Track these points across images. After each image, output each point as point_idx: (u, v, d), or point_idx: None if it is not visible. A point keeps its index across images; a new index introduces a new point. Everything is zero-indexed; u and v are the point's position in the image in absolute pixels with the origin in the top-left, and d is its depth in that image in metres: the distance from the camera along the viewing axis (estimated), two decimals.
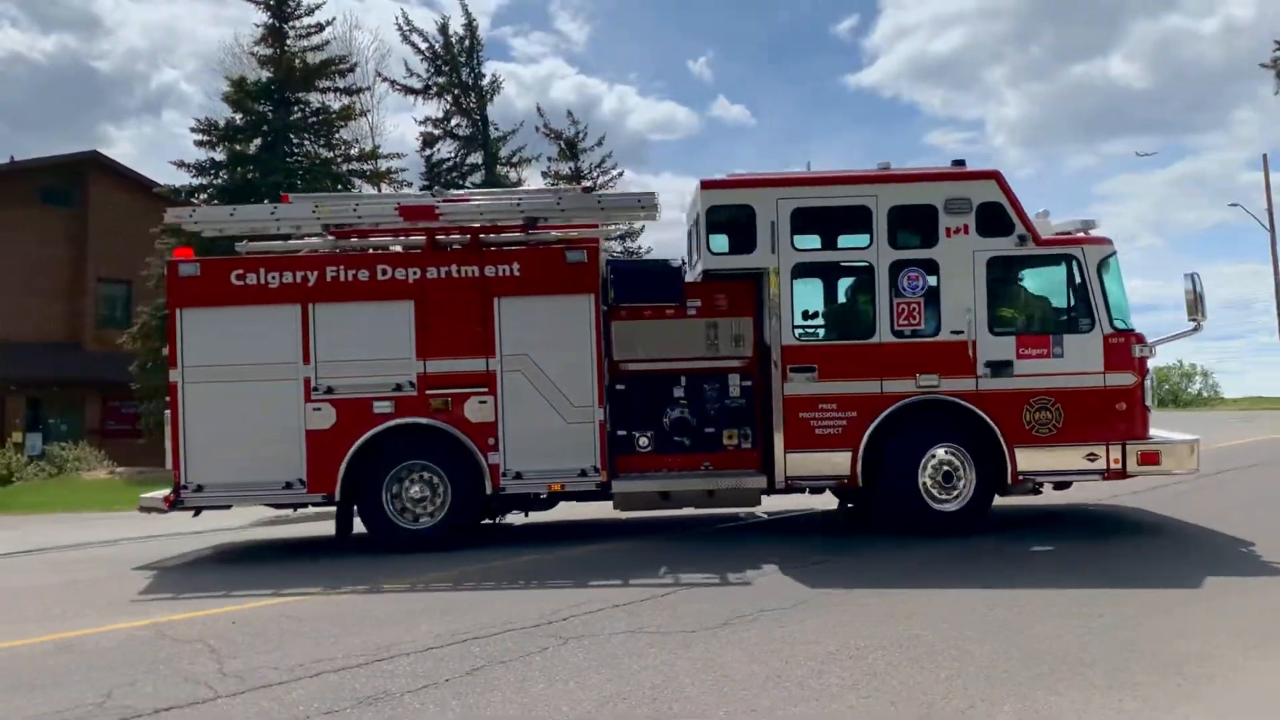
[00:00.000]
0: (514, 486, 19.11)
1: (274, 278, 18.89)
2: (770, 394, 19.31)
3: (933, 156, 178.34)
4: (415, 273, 18.98)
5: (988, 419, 19.34)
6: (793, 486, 19.25)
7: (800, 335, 19.42)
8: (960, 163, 20.07)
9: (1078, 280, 19.51)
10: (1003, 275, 19.66)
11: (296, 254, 19.48)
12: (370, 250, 20.11)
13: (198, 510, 19.18)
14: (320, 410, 18.85)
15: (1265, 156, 37.00)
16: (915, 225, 19.40)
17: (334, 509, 19.37)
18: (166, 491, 19.00)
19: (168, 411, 18.89)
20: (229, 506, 19.38)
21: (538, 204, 19.54)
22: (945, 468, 19.47)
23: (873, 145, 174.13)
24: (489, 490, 18.99)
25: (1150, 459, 19.53)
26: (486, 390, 19.03)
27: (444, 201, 19.57)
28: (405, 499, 19.08)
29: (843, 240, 19.74)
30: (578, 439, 19.09)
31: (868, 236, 19.43)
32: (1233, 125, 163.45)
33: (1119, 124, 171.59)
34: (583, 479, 19.11)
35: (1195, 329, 19.68)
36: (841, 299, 20.08)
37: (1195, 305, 19.42)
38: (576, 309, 19.18)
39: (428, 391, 18.93)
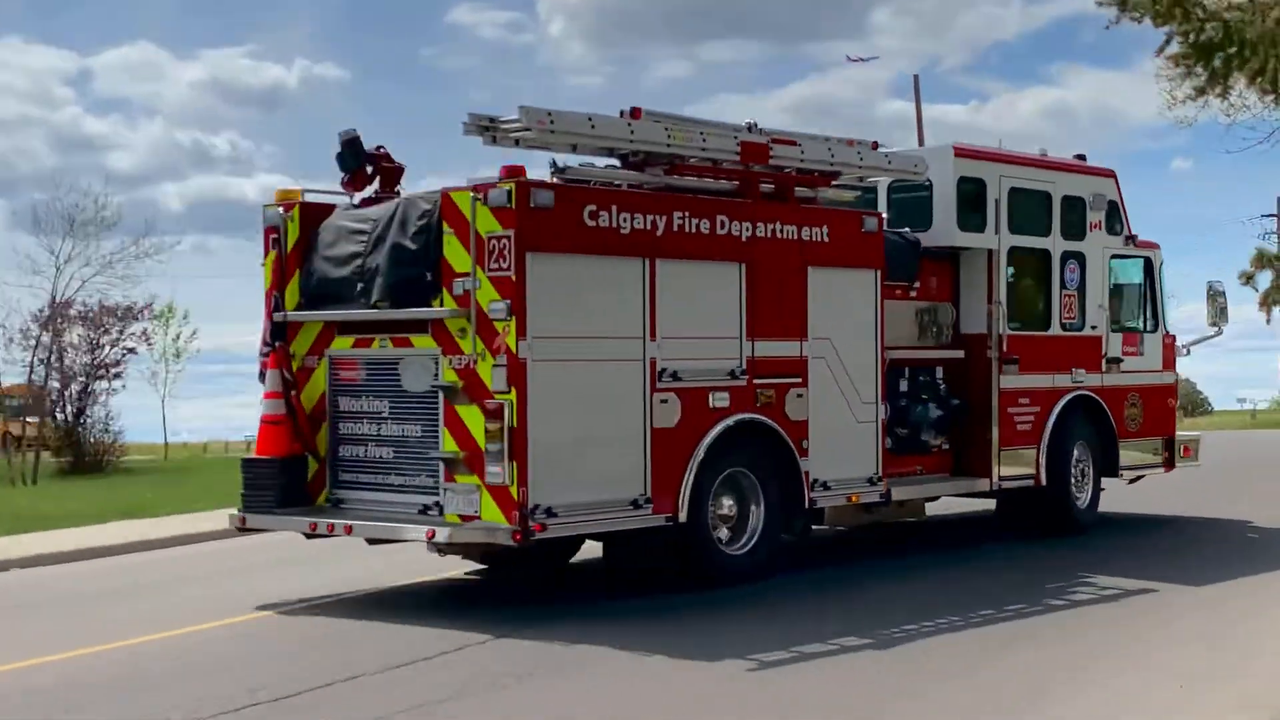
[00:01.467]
0: (822, 499, 16.36)
1: (625, 220, 14.61)
2: (981, 387, 18.62)
3: (465, 40, 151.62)
4: (747, 229, 15.58)
5: (1109, 414, 20.23)
6: (999, 490, 18.82)
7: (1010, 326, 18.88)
8: (1081, 157, 20.51)
9: (1150, 281, 21.21)
10: (1114, 273, 20.66)
11: (641, 189, 15.19)
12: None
13: (535, 542, 13.91)
14: (666, 403, 14.85)
15: (916, 79, 33.63)
16: (1073, 217, 19.81)
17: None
18: (492, 523, 13.75)
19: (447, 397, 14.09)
20: (580, 539, 15.62)
21: (842, 156, 16.81)
22: (1081, 464, 20.06)
23: None
24: (806, 504, 16.12)
25: (1187, 452, 21.92)
26: (800, 380, 16.13)
27: (774, 141, 16.13)
28: (715, 517, 15.47)
29: (1026, 226, 19.32)
30: (861, 440, 16.73)
31: (1046, 224, 19.54)
32: (870, 33, 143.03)
33: (723, 24, 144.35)
34: (870, 488, 16.87)
35: (1217, 333, 21.98)
36: (1024, 287, 19.61)
37: (1220, 313, 21.87)
38: (864, 286, 16.89)
39: (755, 380, 15.62)
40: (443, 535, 13.91)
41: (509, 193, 13.70)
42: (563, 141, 14.79)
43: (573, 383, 14.05)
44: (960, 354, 18.58)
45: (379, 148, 15.87)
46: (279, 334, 15.51)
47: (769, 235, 15.77)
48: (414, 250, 14.50)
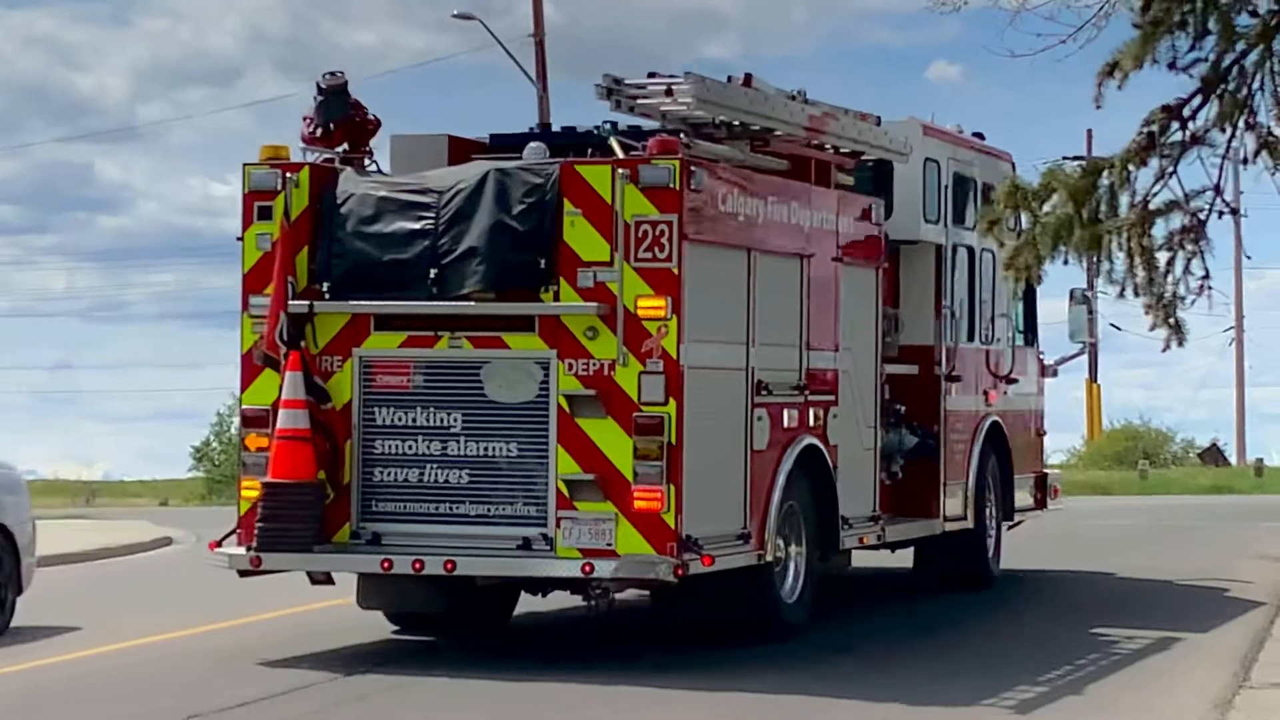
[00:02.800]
0: (846, 539, 14.10)
1: (739, 206, 12.73)
2: (931, 410, 15.91)
3: None
4: (806, 217, 13.76)
5: (1009, 445, 17.32)
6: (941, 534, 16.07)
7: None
8: (980, 135, 17.60)
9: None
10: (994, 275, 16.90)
11: (745, 169, 13.20)
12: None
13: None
14: (761, 420, 12.89)
15: None
16: (987, 209, 15.00)
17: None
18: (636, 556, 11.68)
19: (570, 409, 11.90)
20: (516, 592, 13.80)
21: (864, 134, 14.77)
22: (990, 505, 17.09)
23: None
24: (840, 543, 13.98)
25: (1055, 492, 18.78)
26: (835, 398, 13.98)
27: (825, 115, 14.16)
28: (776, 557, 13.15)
29: (960, 219, 16.71)
30: (865, 471, 14.59)
31: (969, 217, 16.56)
32: None
33: None
34: (871, 526, 14.69)
35: (1083, 350, 19.34)
36: (951, 291, 16.49)
37: (1086, 326, 18.58)
38: (868, 287, 14.84)
39: (809, 397, 13.55)
40: (606, 570, 11.72)
41: (671, 171, 11.75)
42: (715, 114, 12.91)
43: (702, 395, 12.10)
44: (914, 369, 15.89)
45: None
46: (297, 329, 12.36)
47: (819, 225, 13.78)
48: (522, 232, 12.02)
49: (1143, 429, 58.28)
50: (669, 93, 12.48)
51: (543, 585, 13.03)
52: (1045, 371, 19.04)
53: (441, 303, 12.18)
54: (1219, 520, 24.68)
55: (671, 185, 11.71)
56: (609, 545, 11.72)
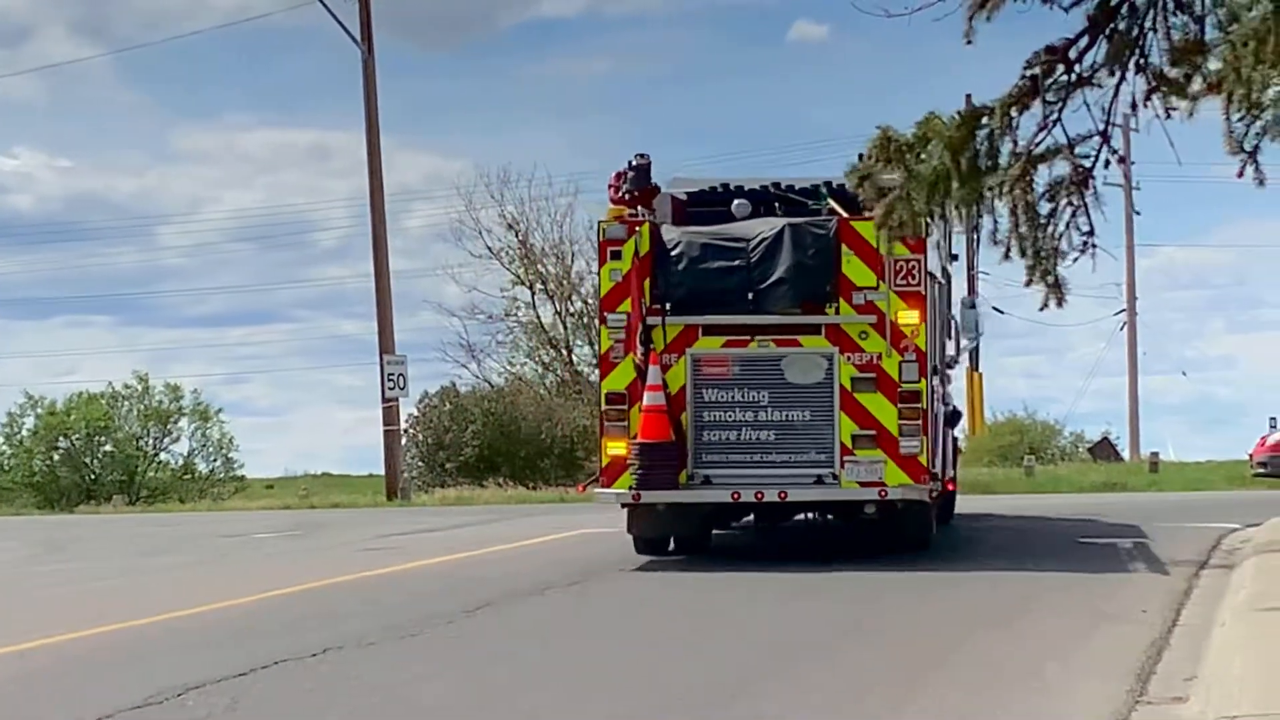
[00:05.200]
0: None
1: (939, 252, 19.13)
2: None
3: None
4: None
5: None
6: None
7: None
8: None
9: None
10: None
11: None
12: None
13: None
14: (936, 391, 18.66)
15: None
16: None
17: None
18: None
19: None
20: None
21: None
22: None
23: None
24: None
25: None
26: (950, 376, 20.41)
27: None
28: None
29: None
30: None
31: None
32: None
33: None
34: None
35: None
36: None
37: (975, 325, 23.11)
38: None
39: (946, 373, 20.50)
40: (896, 494, 16.86)
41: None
42: None
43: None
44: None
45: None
46: (648, 335, 17.23)
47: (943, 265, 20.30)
48: (814, 267, 17.04)
49: (1028, 422, 54.50)
50: None
51: (828, 507, 18.51)
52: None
53: (756, 316, 17.15)
54: (1112, 520, 23.24)
55: (921, 235, 16.82)
56: (879, 479, 16.83)
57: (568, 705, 9.20)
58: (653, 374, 17.02)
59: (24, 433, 55.24)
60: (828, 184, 18.09)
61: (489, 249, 51.05)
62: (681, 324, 17.22)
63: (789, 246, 17.04)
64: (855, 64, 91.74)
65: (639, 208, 17.81)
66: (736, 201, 17.98)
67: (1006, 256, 16.24)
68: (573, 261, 49.53)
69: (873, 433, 16.83)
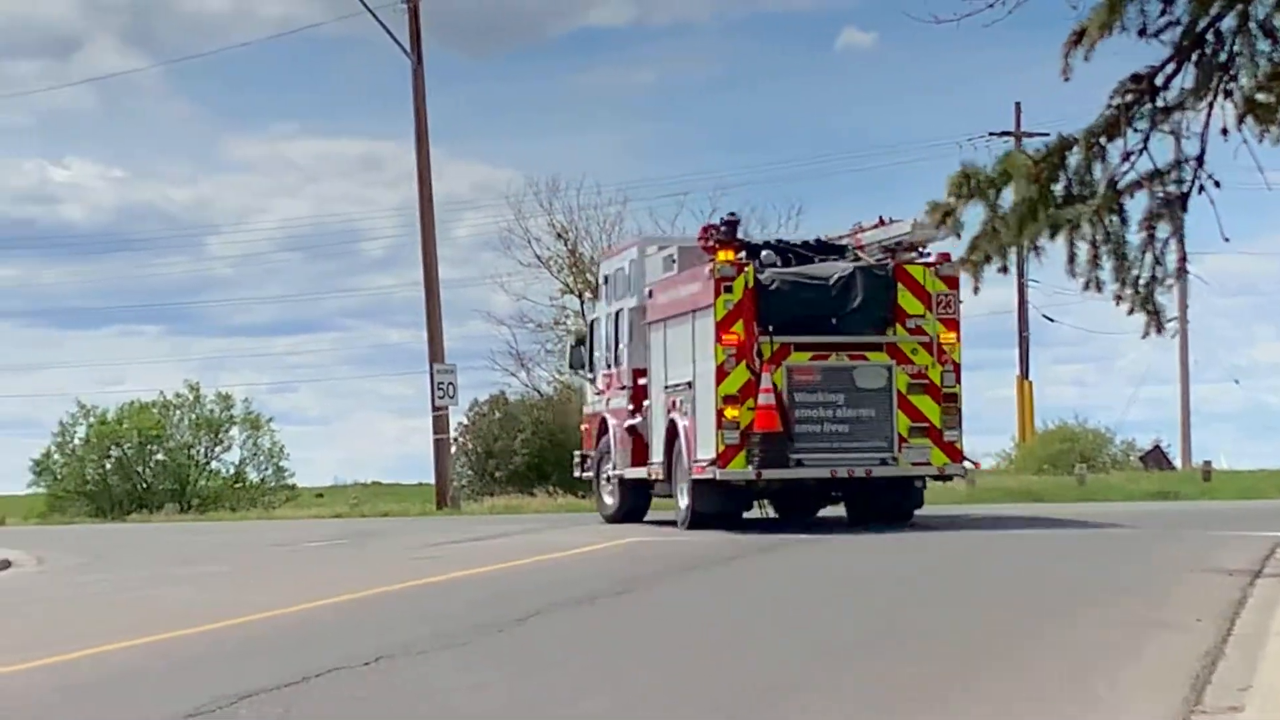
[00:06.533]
0: None
1: None
2: None
3: None
4: None
5: None
6: None
7: None
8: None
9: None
10: None
11: None
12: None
13: None
14: None
15: None
16: None
17: None
18: None
19: None
20: None
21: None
22: None
23: None
24: None
25: None
26: None
27: None
28: None
29: None
30: None
31: None
32: None
33: None
34: None
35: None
36: None
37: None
38: None
39: None
40: (955, 470, 23.32)
41: (956, 266, 20.94)
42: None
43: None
44: None
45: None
46: (759, 350, 22.20)
47: None
48: (877, 299, 22.63)
49: (1078, 430, 53.80)
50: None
51: (889, 482, 23.12)
52: None
53: (835, 336, 22.64)
54: (1164, 529, 23.19)
55: (956, 275, 22.04)
56: (927, 461, 22.69)
57: (617, 712, 9.17)
58: (765, 380, 21.98)
59: (76, 441, 55.49)
60: (818, 239, 25.11)
61: (538, 258, 51.26)
62: (780, 342, 22.27)
63: (860, 284, 22.53)
64: (904, 71, 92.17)
65: (741, 253, 23.02)
66: (763, 252, 23.57)
67: (1087, 287, 16.04)
68: None
69: (924, 425, 22.54)
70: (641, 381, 25.18)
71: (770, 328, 22.19)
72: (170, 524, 40.84)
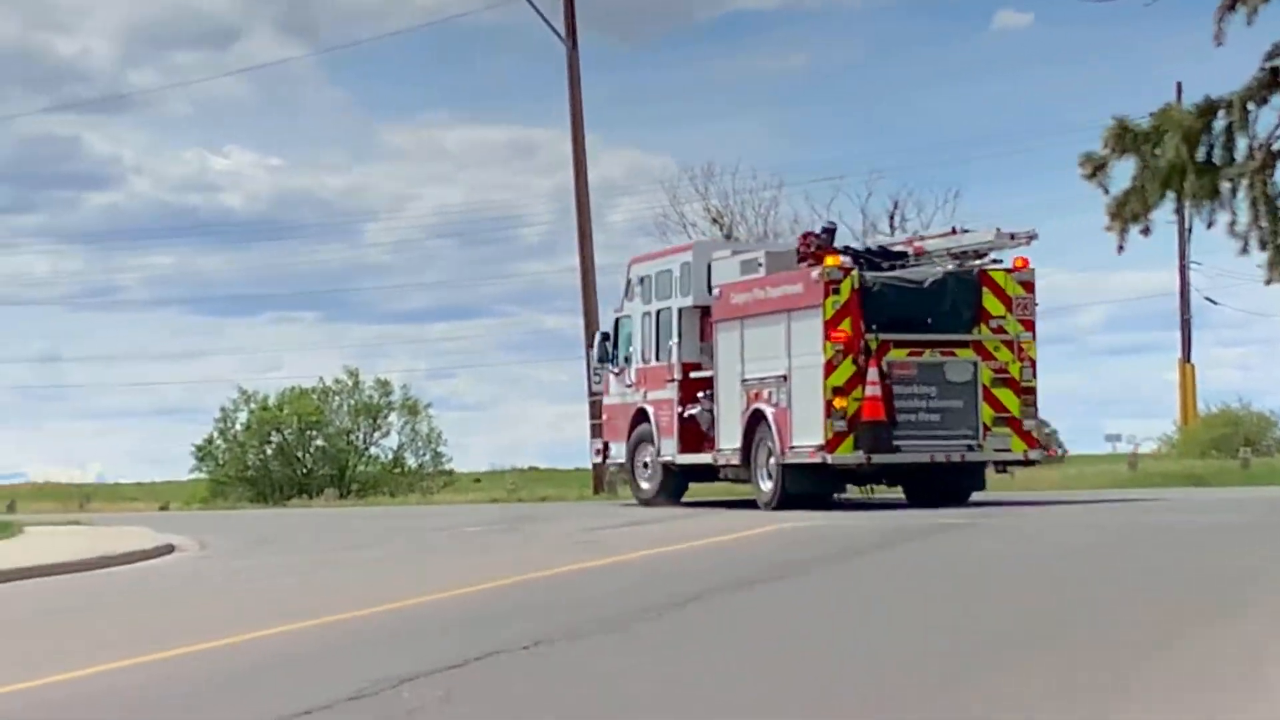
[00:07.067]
0: None
1: None
2: None
3: None
4: None
5: None
6: None
7: None
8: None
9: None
10: None
11: None
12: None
13: None
14: None
15: None
16: None
17: None
18: None
19: None
20: None
21: None
22: None
23: None
24: None
25: None
26: None
27: None
28: None
29: None
30: None
31: None
32: None
33: None
34: None
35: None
36: None
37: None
38: None
39: None
40: (1036, 455, 25.57)
41: (1032, 273, 25.26)
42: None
43: None
44: None
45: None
46: (866, 347, 24.17)
47: None
48: (967, 301, 24.82)
49: (1243, 413, 52.92)
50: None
51: (956, 466, 25.17)
52: None
53: (929, 334, 24.71)
54: None
55: (1031, 280, 25.33)
56: (1008, 448, 24.93)
57: (779, 697, 9.11)
58: (871, 373, 23.99)
59: (237, 428, 56.16)
60: (880, 247, 27.81)
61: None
62: (881, 339, 24.19)
63: (950, 287, 24.71)
64: (1061, 51, 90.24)
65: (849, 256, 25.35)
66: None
67: (1245, 250, 15.77)
68: None
69: (1005, 415, 24.70)
70: (694, 375, 27.69)
71: (874, 326, 24.16)
72: (330, 509, 41.32)
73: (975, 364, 24.59)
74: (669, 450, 28.27)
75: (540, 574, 16.30)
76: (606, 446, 31.00)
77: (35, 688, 10.19)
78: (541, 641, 11.04)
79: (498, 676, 9.99)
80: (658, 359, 28.72)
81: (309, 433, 55.31)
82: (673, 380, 28.04)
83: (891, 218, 48.67)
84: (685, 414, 27.60)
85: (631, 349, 29.71)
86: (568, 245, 42.11)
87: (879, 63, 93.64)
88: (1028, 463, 25.70)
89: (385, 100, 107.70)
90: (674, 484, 29.15)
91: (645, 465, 29.42)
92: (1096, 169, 15.79)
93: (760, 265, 26.18)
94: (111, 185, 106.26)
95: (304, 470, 54.70)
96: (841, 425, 24.02)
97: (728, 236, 49.61)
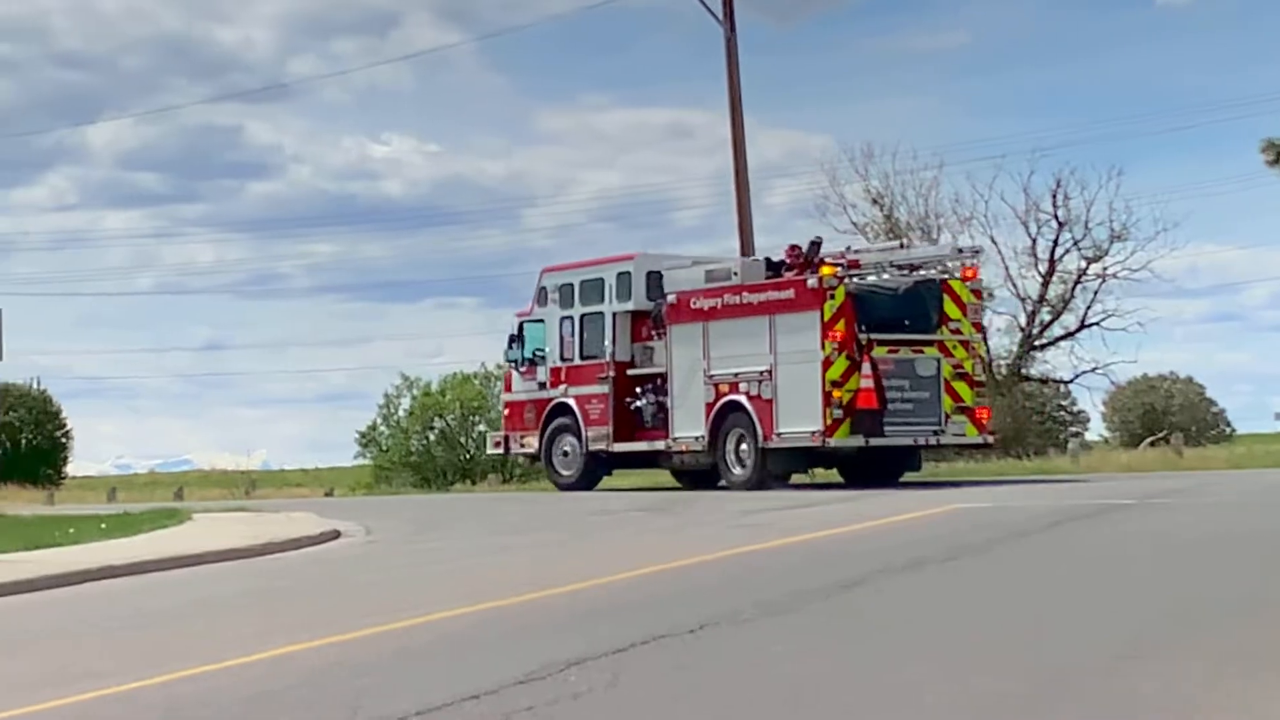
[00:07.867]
0: None
1: None
2: None
3: None
4: None
5: None
6: None
7: None
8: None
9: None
10: None
11: None
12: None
13: None
14: None
15: None
16: None
17: None
18: None
19: None
20: None
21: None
22: None
23: None
24: None
25: None
26: None
27: None
28: None
29: None
30: None
31: None
32: None
33: None
34: None
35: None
36: None
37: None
38: None
39: None
40: (991, 439, 30.64)
41: (981, 282, 31.78)
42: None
43: None
44: None
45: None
46: (859, 345, 27.87)
47: None
48: (934, 306, 28.93)
49: None
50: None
51: (938, 448, 31.10)
52: None
53: (904, 334, 28.69)
54: None
55: (979, 288, 31.48)
56: (964, 434, 29.05)
57: (949, 679, 9.00)
58: (865, 368, 27.63)
59: (400, 413, 56.55)
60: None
61: (853, 224, 50.65)
62: (867, 339, 27.80)
63: (919, 293, 28.95)
64: (1225, 30, 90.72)
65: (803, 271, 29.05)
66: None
67: None
68: (939, 235, 48.80)
69: (962, 405, 28.74)
70: (631, 372, 31.64)
71: (863, 326, 27.86)
72: (492, 494, 41.51)
73: (939, 360, 28.66)
74: (599, 440, 31.90)
75: (702, 558, 16.25)
76: (506, 439, 34.55)
77: (217, 670, 10.39)
78: (707, 625, 11.03)
79: (664, 660, 9.98)
80: (582, 358, 32.36)
81: (471, 418, 55.55)
82: (607, 377, 31.70)
83: (1054, 196, 48.02)
84: (631, 406, 31.53)
85: (545, 350, 33.29)
86: (726, 228, 42.06)
87: (1040, 40, 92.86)
88: (984, 446, 30.88)
89: (543, 85, 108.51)
90: (597, 471, 33.01)
91: (565, 454, 33.05)
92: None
93: (735, 274, 30.26)
94: (273, 174, 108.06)
95: (467, 455, 54.94)
96: (839, 413, 27.65)
97: (888, 217, 49.30)
